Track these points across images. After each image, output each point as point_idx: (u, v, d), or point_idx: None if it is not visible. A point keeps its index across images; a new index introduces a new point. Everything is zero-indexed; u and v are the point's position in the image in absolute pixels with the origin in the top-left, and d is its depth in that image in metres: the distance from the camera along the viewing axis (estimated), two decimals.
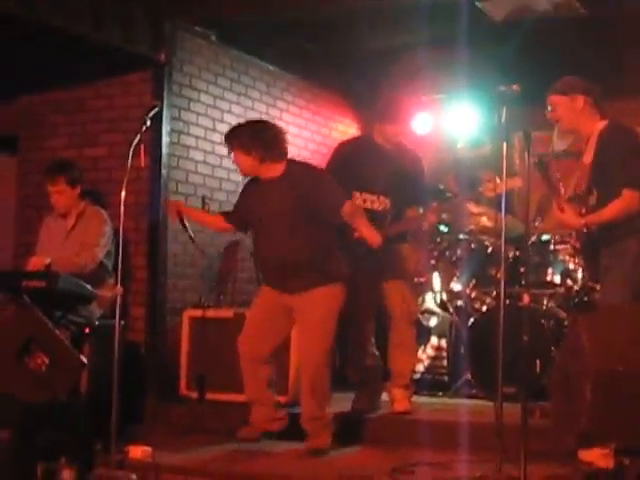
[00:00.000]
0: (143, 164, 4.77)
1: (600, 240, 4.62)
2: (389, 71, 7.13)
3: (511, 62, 6.52)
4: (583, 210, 4.65)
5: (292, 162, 5.16)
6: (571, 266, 6.17)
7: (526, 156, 4.22)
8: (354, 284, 5.13)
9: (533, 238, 6.19)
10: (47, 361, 4.71)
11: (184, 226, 5.46)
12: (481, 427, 4.86)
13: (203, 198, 6.59)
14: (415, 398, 5.85)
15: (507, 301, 4.28)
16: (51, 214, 6.05)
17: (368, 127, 7.54)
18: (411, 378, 5.81)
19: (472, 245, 6.50)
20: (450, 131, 7.61)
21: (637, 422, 3.71)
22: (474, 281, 6.46)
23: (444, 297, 6.70)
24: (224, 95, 6.94)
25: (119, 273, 4.69)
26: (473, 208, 6.70)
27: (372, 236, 5.06)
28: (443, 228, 6.75)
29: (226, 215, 5.41)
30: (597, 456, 4.11)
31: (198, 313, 6.11)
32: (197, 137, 6.67)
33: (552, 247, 6.24)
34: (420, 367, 6.61)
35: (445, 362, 6.77)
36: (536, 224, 6.30)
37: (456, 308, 6.65)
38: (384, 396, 5.79)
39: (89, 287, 5.41)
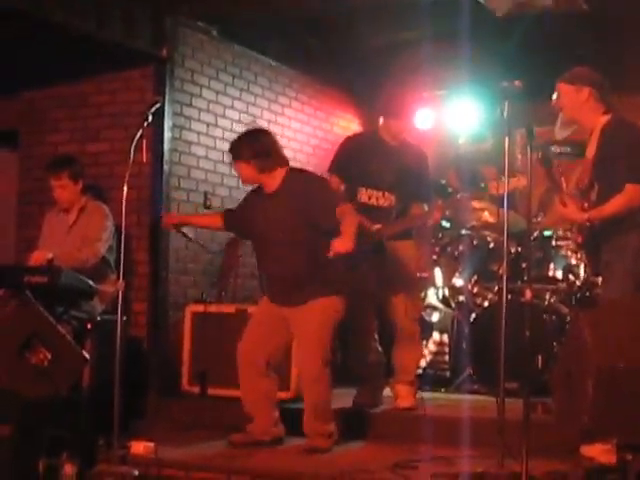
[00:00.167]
0: (145, 159, 4.77)
1: (601, 235, 4.62)
2: (391, 67, 7.12)
3: (513, 57, 6.52)
4: (586, 205, 4.64)
5: (292, 171, 5.12)
6: (573, 261, 6.17)
7: (528, 152, 4.23)
8: (357, 281, 5.11)
9: (535, 233, 6.20)
10: (49, 356, 4.70)
11: (184, 235, 5.48)
12: (483, 423, 4.87)
13: (205, 194, 6.61)
14: (417, 394, 5.85)
15: (509, 296, 4.27)
16: (53, 209, 6.05)
17: (370, 123, 7.56)
18: (415, 374, 5.81)
19: (474, 241, 6.50)
20: (452, 126, 7.60)
21: (639, 418, 3.71)
22: (476, 276, 6.46)
23: (446, 292, 6.70)
24: (226, 90, 6.93)
25: (121, 268, 4.68)
26: (475, 204, 6.70)
27: (345, 241, 4.74)
28: (445, 224, 6.74)
29: (225, 221, 5.33)
30: (599, 452, 4.12)
31: (200, 308, 6.10)
32: (199, 133, 6.66)
33: (554, 242, 6.24)
34: (422, 362, 6.60)
35: (447, 357, 6.77)
36: (538, 219, 6.31)
37: (458, 303, 6.65)
38: (387, 392, 5.79)
39: (91, 282, 5.41)
